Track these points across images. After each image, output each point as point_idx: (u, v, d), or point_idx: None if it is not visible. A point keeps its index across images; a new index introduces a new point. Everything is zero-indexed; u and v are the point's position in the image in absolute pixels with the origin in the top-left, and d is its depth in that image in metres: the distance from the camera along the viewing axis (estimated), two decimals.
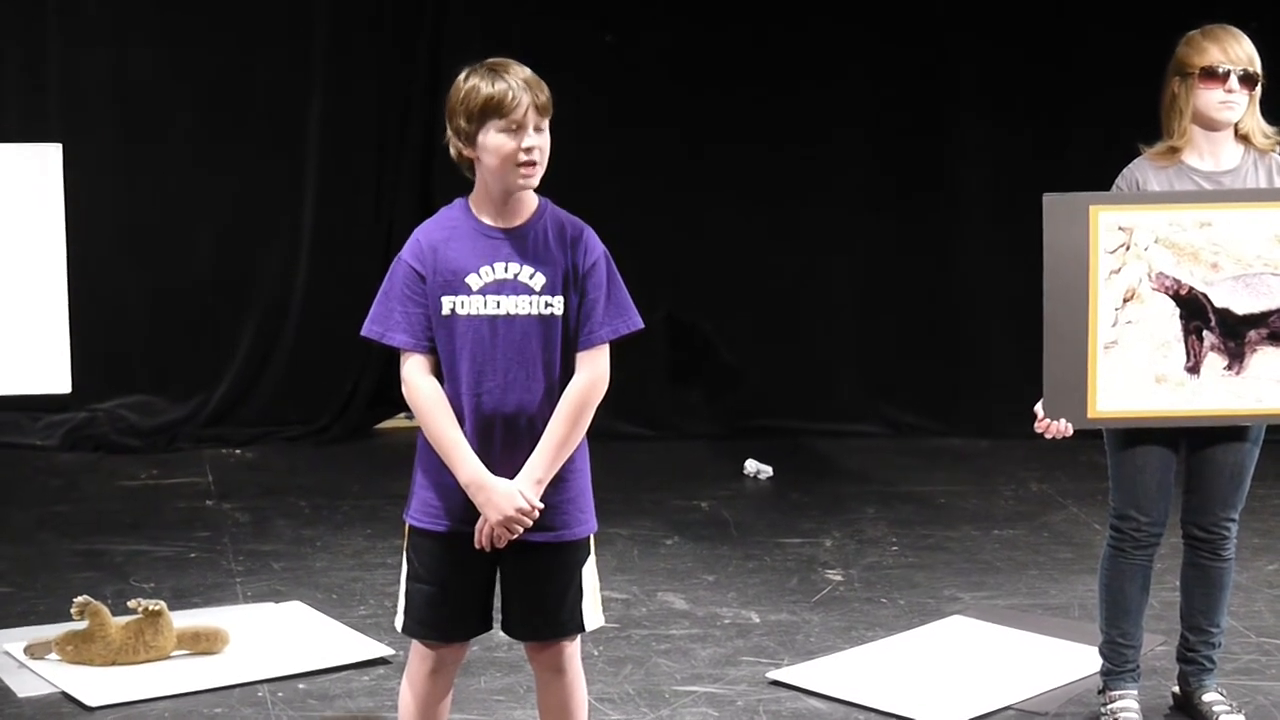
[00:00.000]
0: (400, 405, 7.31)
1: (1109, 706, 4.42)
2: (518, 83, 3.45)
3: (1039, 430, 4.19)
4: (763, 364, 7.84)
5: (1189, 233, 4.11)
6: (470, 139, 3.48)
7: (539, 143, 3.47)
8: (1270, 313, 4.14)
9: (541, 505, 3.50)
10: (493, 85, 3.45)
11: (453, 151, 3.53)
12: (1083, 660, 4.81)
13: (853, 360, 7.87)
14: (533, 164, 3.46)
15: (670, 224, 7.73)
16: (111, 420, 7.38)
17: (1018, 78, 7.79)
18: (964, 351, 7.85)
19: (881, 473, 7.20)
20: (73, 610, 4.80)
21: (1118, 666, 4.42)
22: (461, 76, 3.50)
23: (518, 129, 3.45)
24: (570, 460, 3.54)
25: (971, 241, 7.86)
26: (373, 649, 4.94)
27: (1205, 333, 4.14)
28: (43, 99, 7.28)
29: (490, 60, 3.51)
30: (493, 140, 3.46)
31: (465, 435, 3.49)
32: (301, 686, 4.72)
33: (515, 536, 3.50)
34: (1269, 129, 4.26)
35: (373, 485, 6.80)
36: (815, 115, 7.77)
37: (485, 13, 7.52)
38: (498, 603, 3.64)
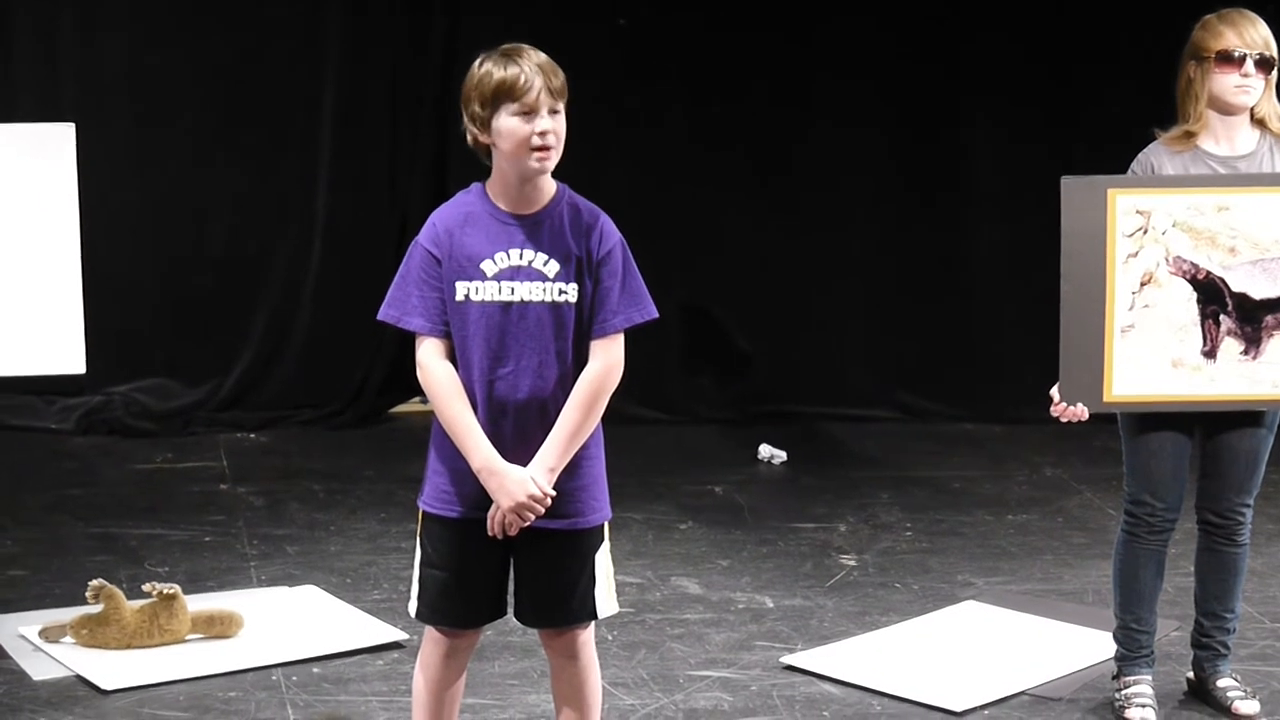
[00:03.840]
0: (415, 389, 7.32)
1: (1123, 692, 4.42)
2: (531, 66, 3.44)
3: (1054, 414, 4.18)
4: (776, 349, 7.83)
5: (1207, 217, 4.10)
6: (485, 124, 3.47)
7: (553, 126, 3.46)
8: None
9: (554, 493, 3.49)
10: (505, 69, 3.44)
11: (469, 138, 3.52)
12: (1097, 646, 4.81)
13: (866, 345, 7.85)
14: (547, 148, 3.46)
15: (685, 210, 7.72)
16: (126, 404, 7.38)
17: (1031, 63, 7.77)
18: (978, 336, 7.84)
19: (895, 458, 7.19)
20: (87, 594, 4.81)
21: (1132, 652, 4.42)
22: (476, 63, 3.51)
23: (530, 112, 3.44)
24: (584, 448, 3.54)
25: (986, 225, 7.84)
26: (387, 633, 4.94)
27: (1222, 317, 4.12)
28: (57, 83, 7.28)
29: (504, 46, 3.51)
30: (506, 124, 3.45)
31: (478, 421, 3.49)
32: (316, 670, 4.72)
33: (526, 524, 3.50)
34: None
35: (387, 469, 6.81)
36: (830, 104, 7.75)
37: (499, 0, 7.50)
38: (512, 587, 3.64)
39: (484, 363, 3.49)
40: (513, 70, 3.44)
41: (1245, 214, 4.09)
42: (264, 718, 4.42)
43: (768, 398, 7.78)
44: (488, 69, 3.47)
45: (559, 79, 3.47)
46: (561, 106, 3.48)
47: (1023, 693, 4.63)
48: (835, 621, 5.17)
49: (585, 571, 3.60)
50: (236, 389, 7.51)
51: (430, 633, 3.66)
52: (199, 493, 6.50)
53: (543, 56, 3.48)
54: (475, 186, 3.58)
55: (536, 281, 3.49)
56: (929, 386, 7.84)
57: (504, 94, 3.44)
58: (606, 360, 3.52)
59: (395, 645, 4.88)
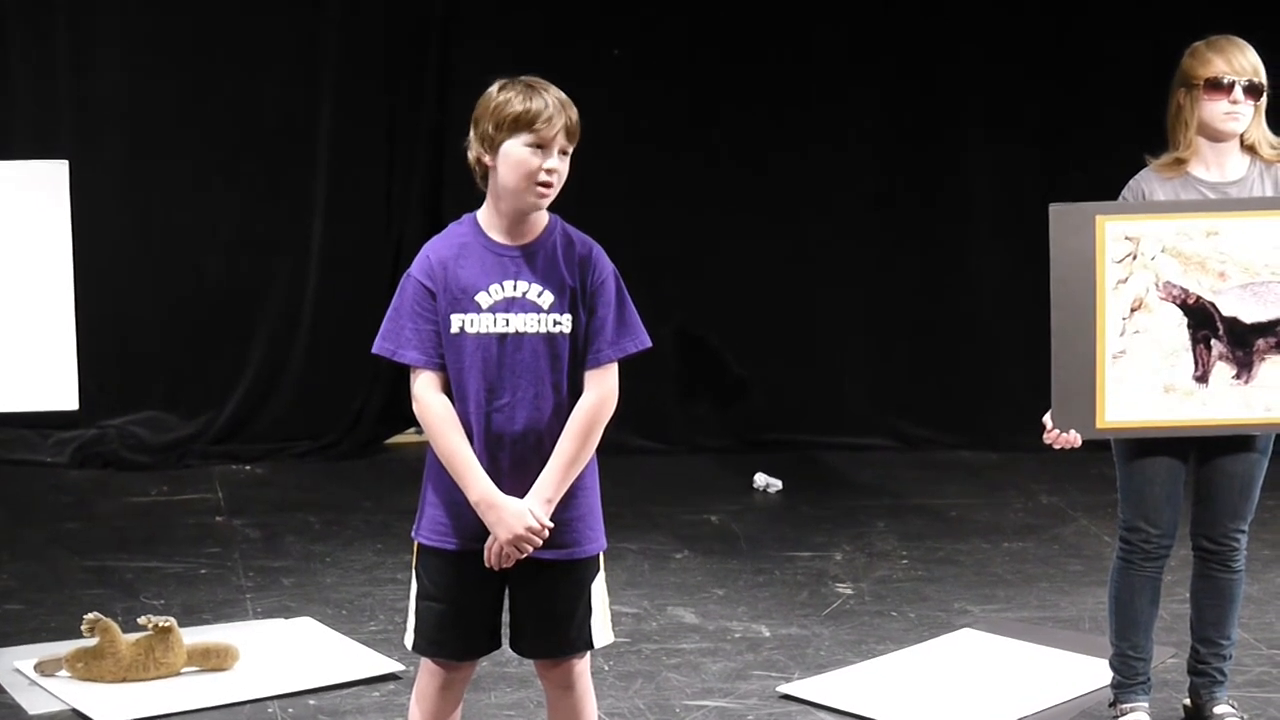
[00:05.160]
0: (410, 420, 7.30)
1: (1120, 719, 4.42)
2: (554, 102, 3.45)
3: (1048, 441, 4.19)
4: (772, 377, 7.84)
5: (1196, 242, 4.11)
6: (494, 146, 3.47)
7: (560, 166, 3.47)
8: (1278, 321, 4.13)
9: (551, 524, 3.49)
10: (530, 100, 3.45)
11: (471, 156, 3.52)
12: (1093, 673, 4.80)
13: (862, 373, 7.86)
14: (549, 185, 3.47)
15: (680, 238, 7.73)
16: (121, 437, 7.38)
17: (1025, 91, 7.79)
18: (973, 364, 7.84)
19: (891, 486, 7.19)
20: (83, 627, 4.81)
21: (1128, 679, 4.42)
22: (495, 86, 3.50)
23: (544, 148, 3.45)
24: (579, 478, 3.54)
25: (980, 255, 7.86)
26: (383, 664, 4.94)
27: (1213, 342, 4.13)
28: (52, 116, 7.29)
29: (526, 77, 3.51)
30: (517, 153, 3.45)
31: (475, 453, 3.49)
32: (312, 702, 4.72)
33: (524, 556, 3.50)
34: (1275, 139, 4.25)
35: (382, 500, 6.81)
36: (825, 131, 7.77)
37: (495, 28, 7.52)
38: (508, 618, 3.64)
39: (480, 395, 3.49)
40: (537, 103, 3.44)
41: (1234, 238, 4.10)
42: None
43: (763, 426, 7.78)
44: (509, 95, 3.46)
45: (575, 119, 3.48)
46: (571, 149, 3.49)
47: None
48: (832, 650, 5.16)
49: (581, 601, 3.60)
50: (232, 421, 7.51)
51: (426, 664, 3.66)
52: (194, 525, 6.49)
53: (562, 94, 3.49)
54: (467, 217, 3.58)
55: (531, 313, 3.50)
56: (925, 415, 7.85)
57: (524, 123, 3.44)
58: (601, 391, 3.53)
59: (391, 677, 4.87)
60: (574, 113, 3.49)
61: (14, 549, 6.12)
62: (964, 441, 7.76)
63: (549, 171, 3.45)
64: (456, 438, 3.49)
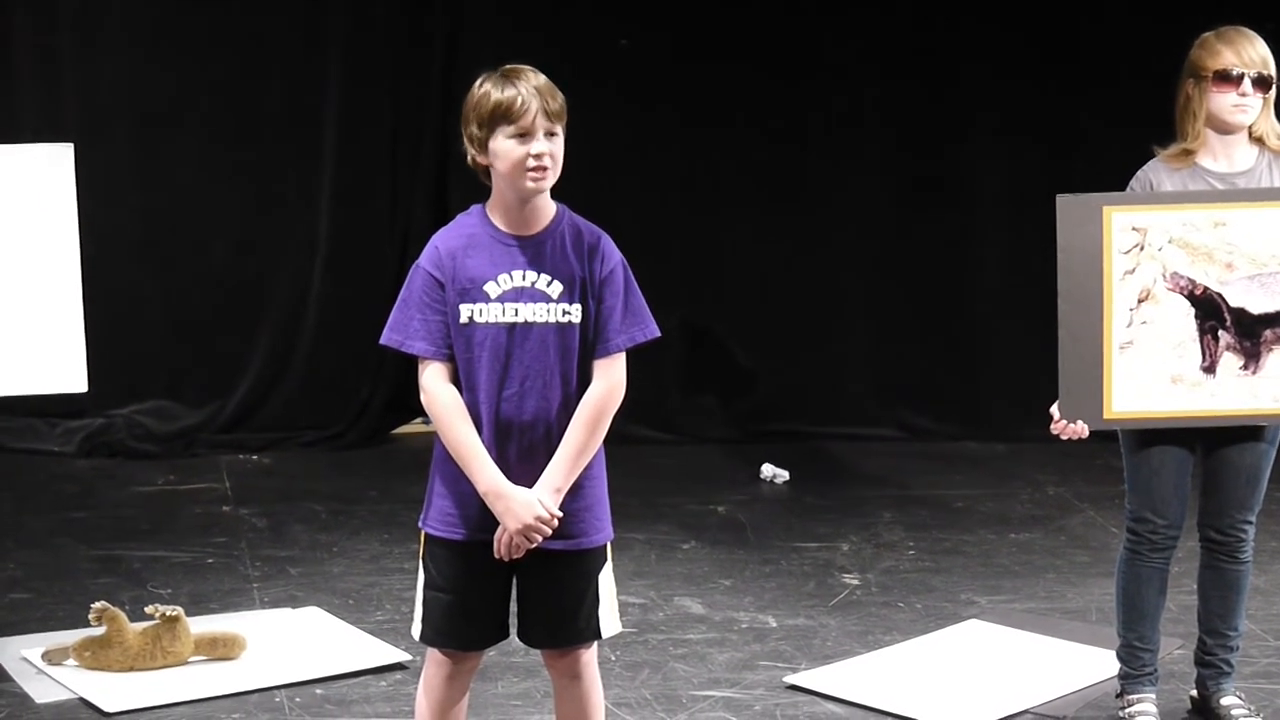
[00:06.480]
0: (417, 411, 7.33)
1: (1126, 710, 4.42)
2: (528, 89, 3.46)
3: (1055, 432, 4.19)
4: (778, 368, 7.84)
5: (1203, 233, 4.11)
6: (482, 145, 3.49)
7: (548, 149, 3.47)
8: None
9: (560, 514, 3.50)
10: (503, 91, 3.46)
11: (468, 158, 3.54)
12: (1100, 664, 4.81)
13: (868, 364, 7.86)
14: (542, 169, 3.47)
15: (685, 229, 7.73)
16: (128, 426, 7.39)
17: (1032, 81, 7.78)
18: (980, 355, 7.84)
19: (898, 477, 7.19)
20: (90, 616, 4.82)
21: (1135, 670, 4.42)
22: (476, 83, 3.53)
23: (526, 135, 3.45)
24: (587, 468, 3.54)
25: (987, 244, 7.85)
26: (389, 654, 4.94)
27: (1221, 332, 4.13)
28: (58, 102, 7.29)
29: (505, 67, 3.53)
30: (502, 146, 3.47)
31: (483, 443, 3.49)
32: (319, 692, 4.72)
33: (533, 546, 3.50)
34: None
35: (389, 490, 6.81)
36: (830, 120, 7.77)
37: (500, 18, 7.52)
38: (514, 608, 3.64)
39: (489, 385, 3.49)
40: (510, 92, 3.45)
41: (1242, 229, 4.10)
42: None
43: (770, 417, 7.78)
44: (486, 90, 3.48)
45: (557, 101, 3.48)
46: (560, 129, 3.49)
47: (1026, 711, 4.64)
48: (838, 641, 5.17)
49: (589, 591, 3.60)
50: (239, 410, 7.52)
51: (433, 654, 3.66)
52: (202, 514, 6.50)
53: (542, 78, 3.50)
54: (475, 208, 3.59)
55: (540, 303, 3.50)
56: (931, 405, 7.85)
57: (501, 116, 3.45)
58: (609, 380, 3.53)
59: (398, 666, 4.88)
60: (555, 95, 3.48)
61: (21, 538, 6.13)
62: (970, 432, 7.76)
63: (536, 156, 3.45)
64: (465, 428, 3.49)
